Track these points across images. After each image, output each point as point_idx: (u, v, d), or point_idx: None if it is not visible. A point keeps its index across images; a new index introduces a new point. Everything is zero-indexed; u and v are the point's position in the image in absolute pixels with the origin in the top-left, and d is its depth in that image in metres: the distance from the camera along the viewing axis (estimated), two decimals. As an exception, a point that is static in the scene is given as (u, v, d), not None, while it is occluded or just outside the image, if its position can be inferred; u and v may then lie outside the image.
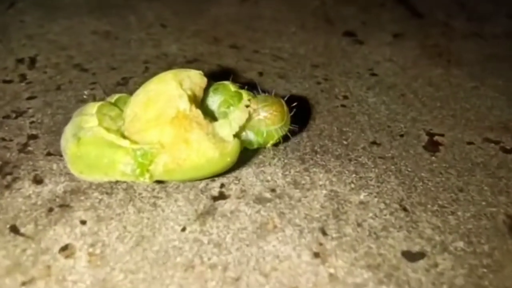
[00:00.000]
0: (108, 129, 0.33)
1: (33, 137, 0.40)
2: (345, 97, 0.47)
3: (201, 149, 0.32)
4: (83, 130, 0.33)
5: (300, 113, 0.39)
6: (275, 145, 0.38)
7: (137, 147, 0.32)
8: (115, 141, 0.32)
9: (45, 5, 0.65)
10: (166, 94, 0.33)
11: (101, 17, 0.62)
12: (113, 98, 0.37)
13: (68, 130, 0.34)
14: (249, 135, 0.36)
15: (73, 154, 0.33)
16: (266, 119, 0.36)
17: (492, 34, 0.61)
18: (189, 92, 0.34)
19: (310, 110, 0.45)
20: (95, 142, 0.32)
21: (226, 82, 0.38)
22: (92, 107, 0.35)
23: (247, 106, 0.35)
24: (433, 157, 0.39)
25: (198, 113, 0.33)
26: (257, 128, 0.36)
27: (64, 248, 0.31)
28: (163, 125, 0.32)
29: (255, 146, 0.37)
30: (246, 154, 0.38)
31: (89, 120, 0.34)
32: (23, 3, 0.65)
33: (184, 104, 0.33)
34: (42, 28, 0.59)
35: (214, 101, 0.37)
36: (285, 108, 0.36)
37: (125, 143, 0.32)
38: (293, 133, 0.38)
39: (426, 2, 0.70)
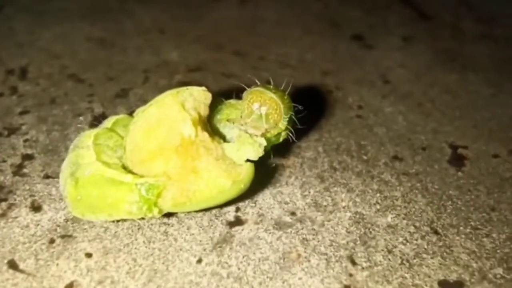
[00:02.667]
0: (107, 164, 0.30)
1: (28, 157, 0.37)
2: (360, 107, 0.45)
3: (212, 178, 0.29)
4: (80, 168, 0.30)
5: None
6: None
7: (141, 181, 0.29)
8: (116, 177, 0.29)
9: (34, 10, 0.61)
10: (167, 120, 0.30)
11: (95, 22, 0.59)
12: (110, 121, 0.34)
13: (65, 168, 0.31)
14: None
15: (72, 197, 0.29)
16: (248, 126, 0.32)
17: (503, 36, 0.59)
18: (193, 113, 0.30)
19: (324, 121, 0.42)
20: (94, 182, 0.29)
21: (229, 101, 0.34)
22: (88, 137, 0.31)
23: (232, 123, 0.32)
24: (460, 173, 0.37)
25: (205, 136, 0.30)
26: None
27: (69, 286, 0.28)
28: (167, 154, 0.29)
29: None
30: (261, 173, 0.35)
31: (85, 154, 0.30)
32: (11, 9, 0.61)
33: (189, 129, 0.30)
34: (32, 35, 0.56)
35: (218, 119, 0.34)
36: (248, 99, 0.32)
37: (127, 178, 0.29)
38: (306, 143, 0.36)
39: (432, 3, 0.68)
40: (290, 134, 0.33)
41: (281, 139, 0.33)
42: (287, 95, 0.33)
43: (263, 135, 0.32)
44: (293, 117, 0.33)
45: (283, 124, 0.32)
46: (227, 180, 0.29)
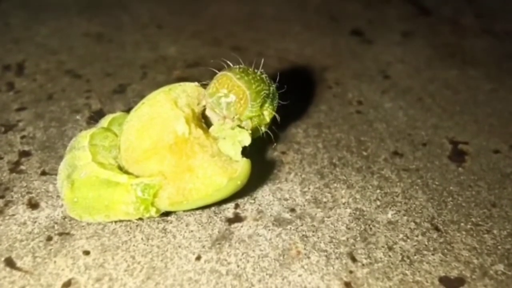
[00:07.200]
0: (103, 165, 0.29)
1: (25, 154, 0.37)
2: (360, 103, 0.44)
3: (207, 176, 0.29)
4: (76, 169, 0.29)
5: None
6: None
7: (137, 181, 0.28)
8: (112, 178, 0.29)
9: (31, 5, 0.61)
10: (160, 118, 0.30)
11: (92, 17, 0.59)
12: (107, 120, 0.33)
13: (62, 170, 0.30)
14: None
15: (69, 199, 0.29)
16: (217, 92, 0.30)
17: (504, 31, 0.59)
18: (187, 110, 0.30)
19: (323, 117, 0.42)
20: (90, 183, 0.29)
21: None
22: (84, 138, 0.31)
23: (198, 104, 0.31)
24: (460, 168, 0.37)
25: (199, 133, 0.30)
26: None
27: (67, 284, 0.27)
28: (162, 153, 0.29)
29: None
30: (260, 169, 0.35)
31: (81, 156, 0.30)
32: (7, 4, 0.61)
33: (182, 127, 0.29)
34: (29, 30, 0.55)
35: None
36: (223, 75, 0.31)
37: (123, 179, 0.29)
38: (306, 144, 0.35)
39: (431, -2, 0.67)
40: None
41: (262, 130, 0.33)
42: (260, 79, 0.31)
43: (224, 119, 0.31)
44: (270, 108, 0.32)
45: (251, 111, 0.31)
46: (223, 177, 0.29)
